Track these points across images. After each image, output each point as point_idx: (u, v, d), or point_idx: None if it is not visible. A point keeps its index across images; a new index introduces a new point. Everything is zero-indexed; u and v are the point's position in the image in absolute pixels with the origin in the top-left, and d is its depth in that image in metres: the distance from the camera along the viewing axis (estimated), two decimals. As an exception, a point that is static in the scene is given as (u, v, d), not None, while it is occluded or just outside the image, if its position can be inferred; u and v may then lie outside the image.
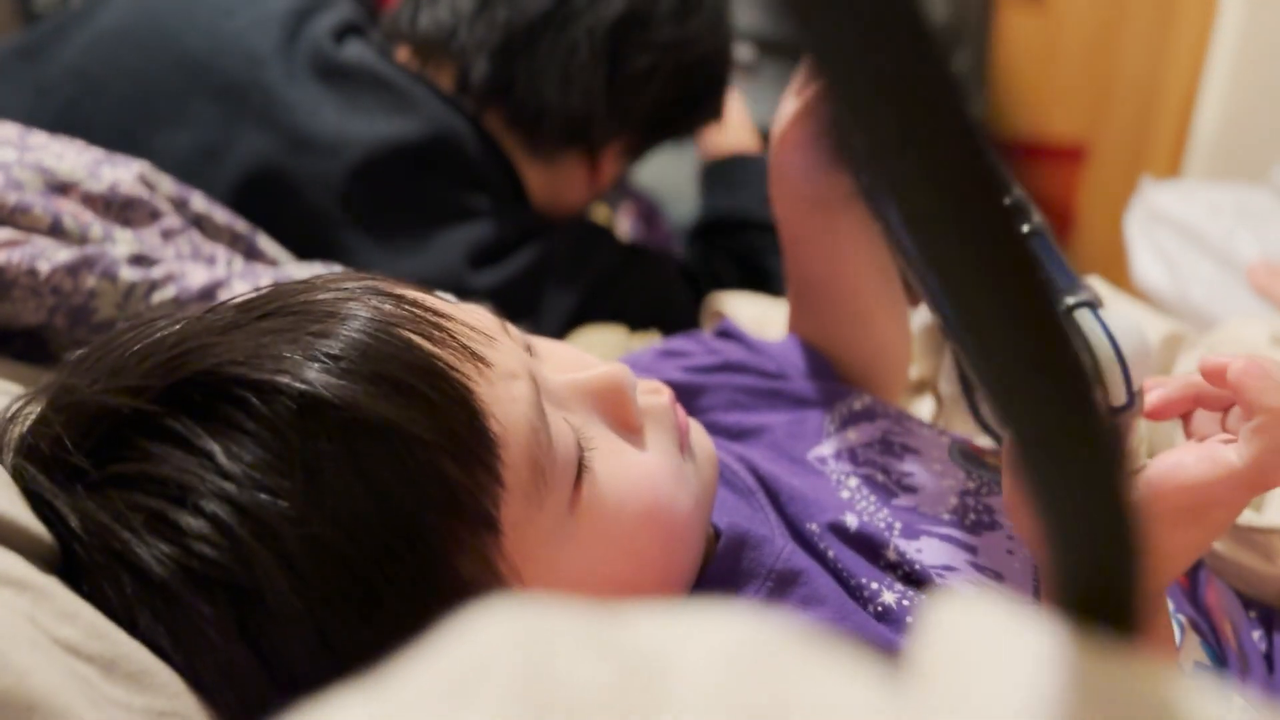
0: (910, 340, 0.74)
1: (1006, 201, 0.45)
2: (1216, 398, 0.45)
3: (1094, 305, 0.43)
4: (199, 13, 0.83)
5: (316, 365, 0.40)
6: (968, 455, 0.62)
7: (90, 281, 0.64)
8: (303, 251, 0.79)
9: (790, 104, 0.62)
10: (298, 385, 0.39)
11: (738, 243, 0.98)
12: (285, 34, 0.82)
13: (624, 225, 1.18)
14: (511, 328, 0.48)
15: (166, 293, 0.66)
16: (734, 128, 1.03)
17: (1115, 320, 0.42)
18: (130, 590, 0.39)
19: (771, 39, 1.09)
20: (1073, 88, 3.52)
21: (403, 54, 0.88)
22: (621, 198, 1.22)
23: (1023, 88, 3.51)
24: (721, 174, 1.02)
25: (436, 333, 0.43)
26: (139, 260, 0.66)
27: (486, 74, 0.83)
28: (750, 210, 0.99)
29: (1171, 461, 0.43)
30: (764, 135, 1.02)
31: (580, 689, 0.16)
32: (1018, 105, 3.50)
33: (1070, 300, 0.43)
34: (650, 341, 0.79)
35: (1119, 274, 1.44)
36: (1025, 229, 0.45)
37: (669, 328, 0.81)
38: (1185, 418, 0.45)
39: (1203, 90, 3.52)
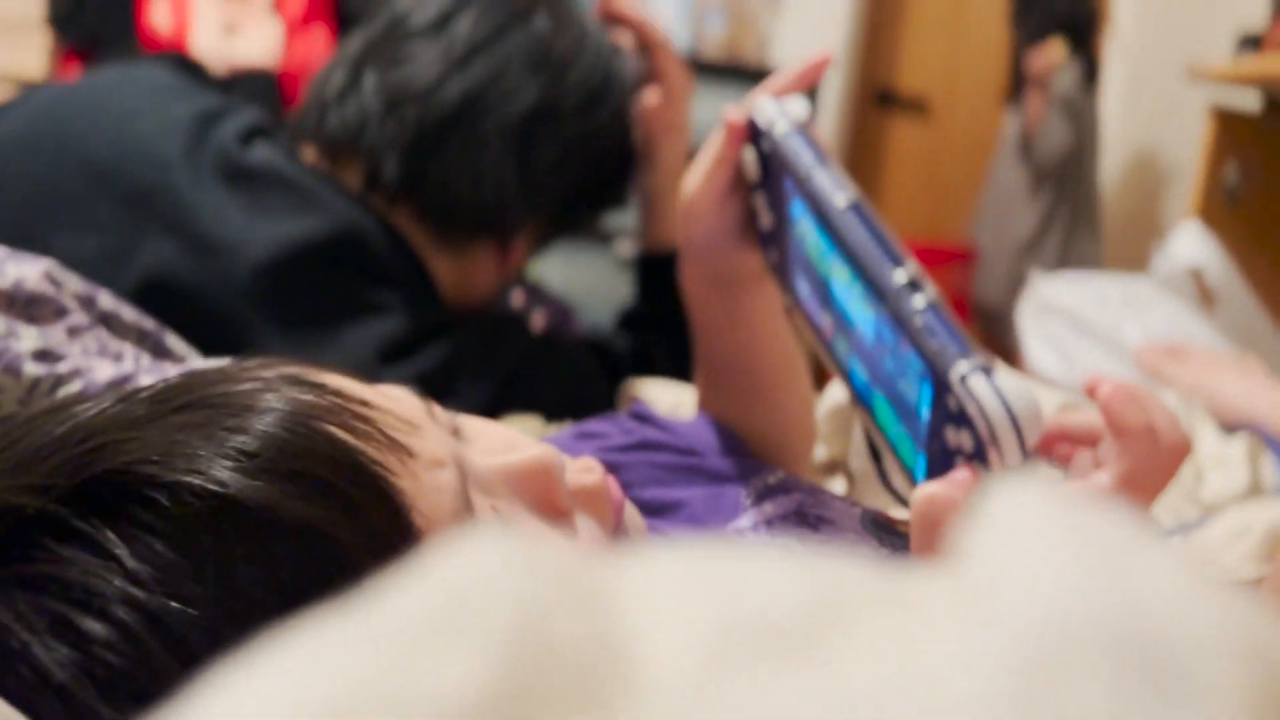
0: (814, 417, 0.76)
1: (904, 276, 0.48)
2: (1083, 432, 0.48)
3: (987, 370, 0.45)
4: (103, 118, 0.83)
5: (231, 463, 0.39)
6: (880, 524, 0.63)
7: (-9, 377, 0.62)
8: (209, 352, 0.78)
9: (694, 183, 0.64)
10: (210, 486, 0.38)
11: (642, 341, 0.99)
12: (191, 138, 0.82)
13: (538, 327, 1.19)
14: (437, 409, 0.48)
15: (72, 387, 0.65)
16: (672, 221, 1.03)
17: (1007, 384, 0.44)
18: (30, 691, 0.37)
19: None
20: (960, 193, 3.69)
21: (310, 154, 0.89)
22: (535, 302, 1.24)
23: (914, 196, 3.68)
24: (652, 273, 1.03)
25: (358, 424, 0.42)
26: (43, 355, 0.65)
27: (397, 171, 0.84)
28: (668, 314, 1.00)
29: None
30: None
31: (568, 651, 0.16)
32: (911, 212, 3.65)
33: (964, 367, 0.45)
34: (563, 429, 0.79)
35: (1013, 365, 1.49)
36: (920, 301, 0.48)
37: (585, 416, 0.82)
38: (1066, 461, 0.48)
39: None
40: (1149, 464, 0.45)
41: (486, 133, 0.84)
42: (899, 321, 0.48)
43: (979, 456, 0.44)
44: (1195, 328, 1.47)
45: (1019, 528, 0.18)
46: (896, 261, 0.49)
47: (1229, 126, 1.83)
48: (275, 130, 0.89)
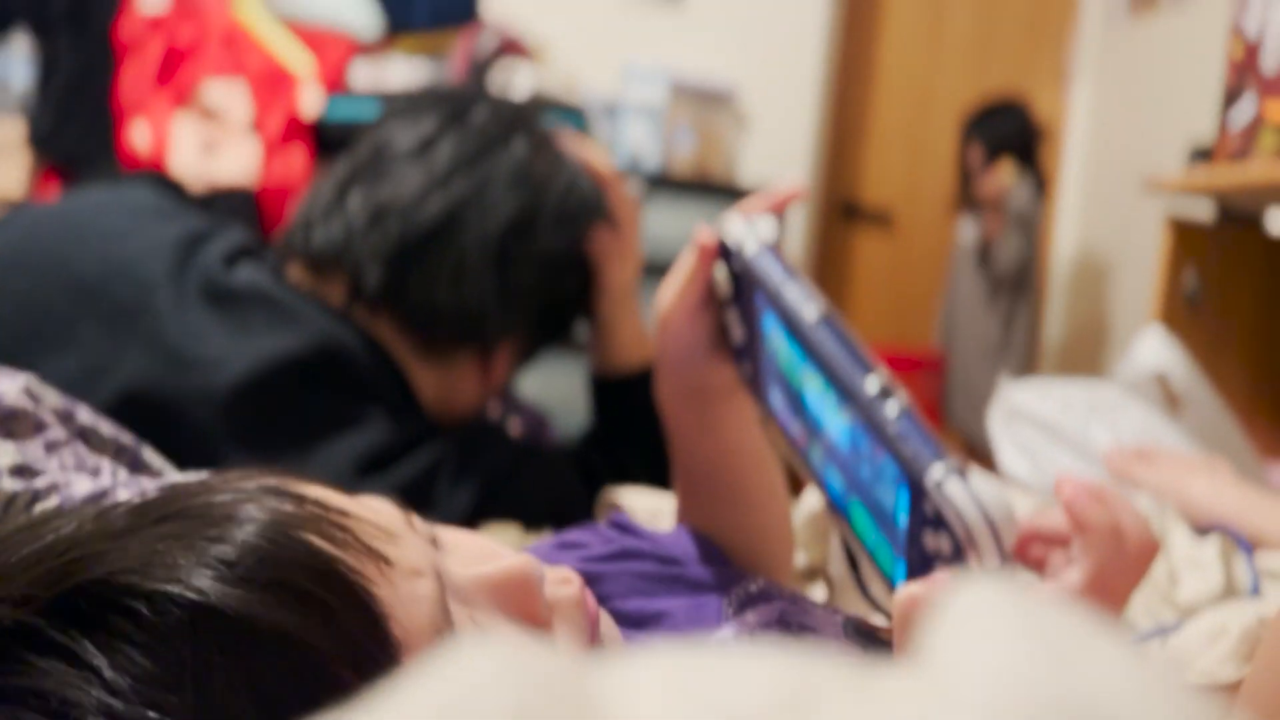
0: (791, 524, 0.76)
1: (877, 383, 0.49)
2: (1055, 533, 0.48)
3: (961, 473, 0.45)
4: (90, 238, 0.85)
5: (210, 573, 0.39)
6: (862, 632, 0.63)
7: (-32, 494, 0.62)
8: (186, 466, 0.78)
9: (667, 298, 0.65)
10: (190, 595, 0.38)
11: (614, 458, 0.99)
12: (177, 260, 0.84)
13: (514, 434, 1.19)
14: (416, 519, 0.48)
15: (49, 503, 0.64)
16: (626, 340, 1.04)
17: (981, 487, 0.45)
18: None
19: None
20: (925, 301, 3.75)
21: (295, 272, 0.91)
22: (510, 410, 1.24)
23: (880, 304, 3.75)
24: (607, 395, 1.04)
25: (337, 533, 0.42)
26: (21, 471, 0.65)
27: (380, 280, 0.86)
28: (630, 432, 1.01)
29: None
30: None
31: None
32: (879, 322, 3.71)
33: (940, 472, 0.45)
34: (543, 539, 0.79)
35: (988, 469, 1.50)
36: (895, 408, 0.48)
37: (564, 525, 0.82)
38: (1042, 565, 0.48)
39: (1050, 301, 3.80)
40: (1115, 563, 0.46)
41: (466, 244, 0.87)
42: (873, 428, 0.48)
43: (958, 559, 0.45)
44: (1162, 431, 1.49)
45: (978, 622, 0.18)
46: (868, 369, 0.50)
47: (1185, 235, 1.89)
48: (260, 251, 0.91)
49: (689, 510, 0.73)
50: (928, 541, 0.46)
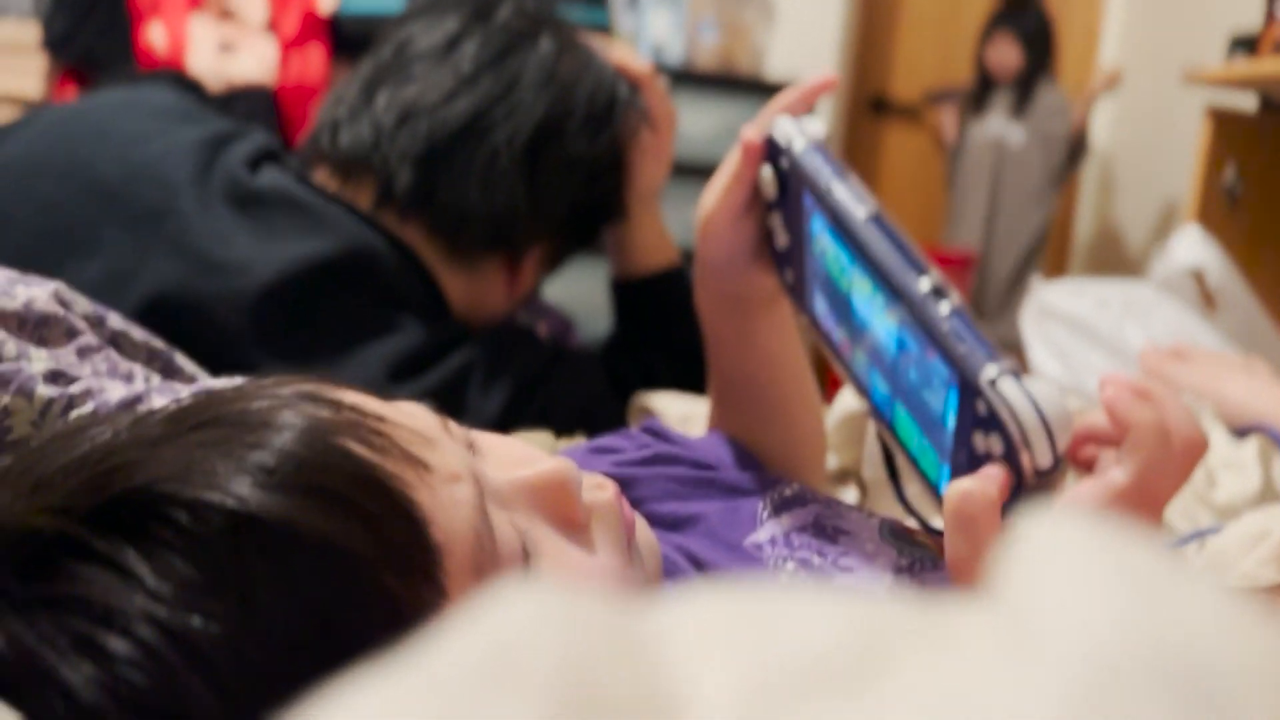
0: (824, 433, 0.75)
1: (929, 283, 0.48)
2: (1107, 432, 0.47)
3: (1016, 374, 0.45)
4: (111, 141, 0.83)
5: (249, 480, 0.39)
6: (898, 534, 0.63)
7: (4, 399, 0.62)
8: (216, 372, 0.78)
9: (711, 201, 0.64)
10: (230, 502, 0.38)
11: (639, 363, 0.99)
12: (200, 163, 0.82)
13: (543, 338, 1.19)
14: (453, 424, 0.48)
15: (84, 409, 0.65)
16: (648, 243, 1.03)
17: (1037, 387, 0.44)
18: (59, 712, 0.37)
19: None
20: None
21: (321, 175, 0.89)
22: (536, 314, 1.24)
23: (908, 202, 3.69)
24: (629, 298, 1.03)
25: (375, 439, 0.42)
26: (55, 377, 0.65)
27: (410, 182, 0.85)
28: (652, 335, 1.00)
29: (1069, 495, 0.45)
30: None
31: (615, 701, 0.16)
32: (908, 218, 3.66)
33: (994, 370, 0.45)
34: (577, 444, 0.79)
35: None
36: (946, 308, 0.48)
37: (596, 429, 0.82)
38: (1092, 466, 0.48)
39: (1081, 199, 3.73)
40: (1161, 463, 0.45)
41: (496, 145, 0.85)
42: (924, 329, 0.48)
43: (1009, 460, 0.44)
44: (1198, 330, 1.47)
45: (1057, 561, 0.18)
46: (920, 270, 0.49)
47: (1226, 128, 1.83)
48: (284, 154, 0.89)
49: (723, 418, 0.73)
50: (978, 443, 0.46)
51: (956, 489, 0.45)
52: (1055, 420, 0.43)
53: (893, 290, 0.50)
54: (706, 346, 0.70)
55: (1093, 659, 0.15)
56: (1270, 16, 1.83)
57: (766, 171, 0.61)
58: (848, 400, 0.86)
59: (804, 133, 0.58)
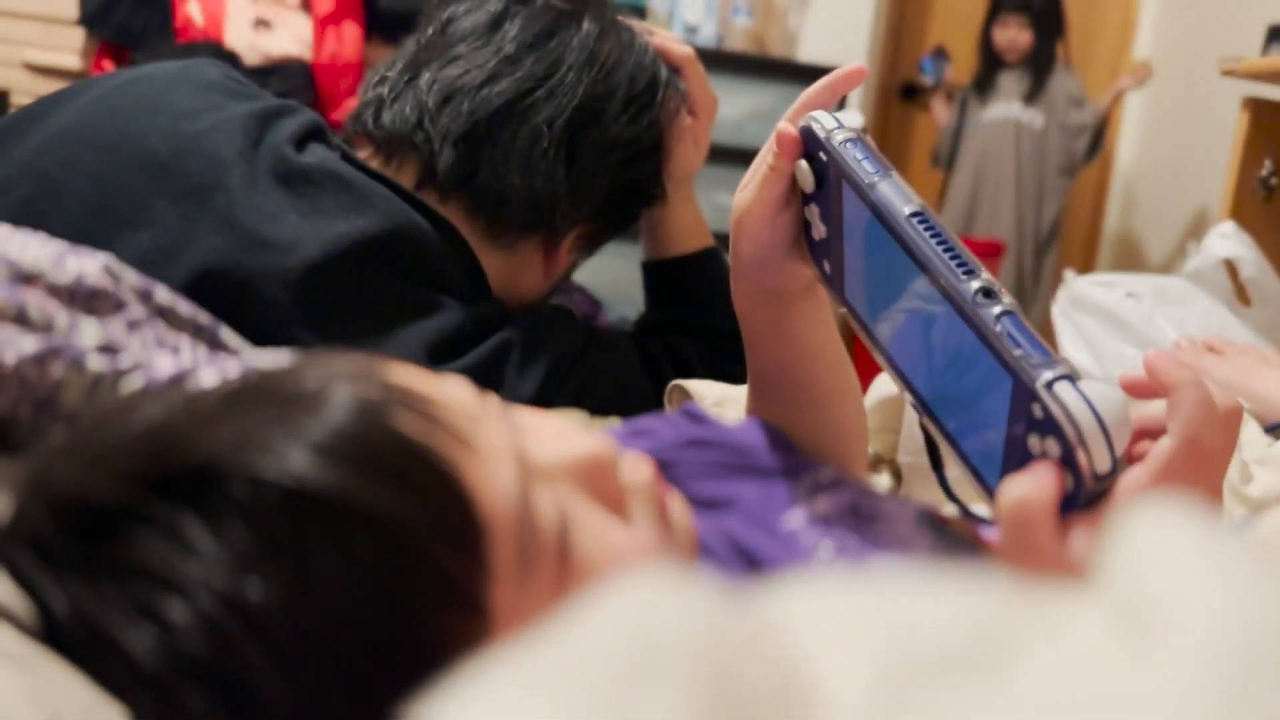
0: (865, 423, 0.75)
1: (978, 284, 0.47)
2: (1156, 423, 0.47)
3: (1073, 377, 0.44)
4: (161, 115, 0.84)
5: (305, 453, 0.40)
6: (933, 523, 0.63)
7: (57, 371, 0.63)
8: (259, 347, 0.79)
9: (747, 196, 0.63)
10: (286, 475, 0.39)
11: (671, 347, 0.99)
12: (248, 139, 0.83)
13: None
14: (492, 401, 0.49)
15: (134, 381, 0.66)
16: (683, 226, 1.04)
17: (1095, 390, 0.44)
18: (120, 677, 0.38)
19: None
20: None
21: (365, 152, 0.90)
22: (565, 294, 1.24)
23: (938, 190, 3.67)
24: (662, 280, 1.04)
25: (423, 416, 0.43)
26: (105, 349, 0.66)
27: (452, 161, 0.85)
28: (684, 318, 1.01)
29: (1124, 481, 0.45)
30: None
31: (758, 690, 0.16)
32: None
33: (1049, 374, 0.44)
34: (614, 425, 0.80)
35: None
36: (998, 309, 0.47)
37: (630, 411, 0.82)
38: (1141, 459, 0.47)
39: (1112, 192, 3.70)
40: (1207, 421, 0.45)
41: (538, 126, 0.86)
42: (976, 329, 0.47)
43: (1067, 463, 0.44)
44: (1230, 324, 1.46)
45: (1164, 552, 0.18)
46: (969, 269, 0.49)
47: (1263, 119, 1.81)
48: (329, 132, 0.90)
49: (760, 408, 0.73)
50: (1033, 445, 0.45)
51: (1012, 493, 0.44)
52: (1114, 424, 0.43)
53: (941, 289, 0.49)
54: (744, 339, 0.70)
55: (1228, 650, 0.15)
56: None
57: (803, 163, 0.60)
58: (882, 386, 0.86)
59: (843, 125, 0.57)
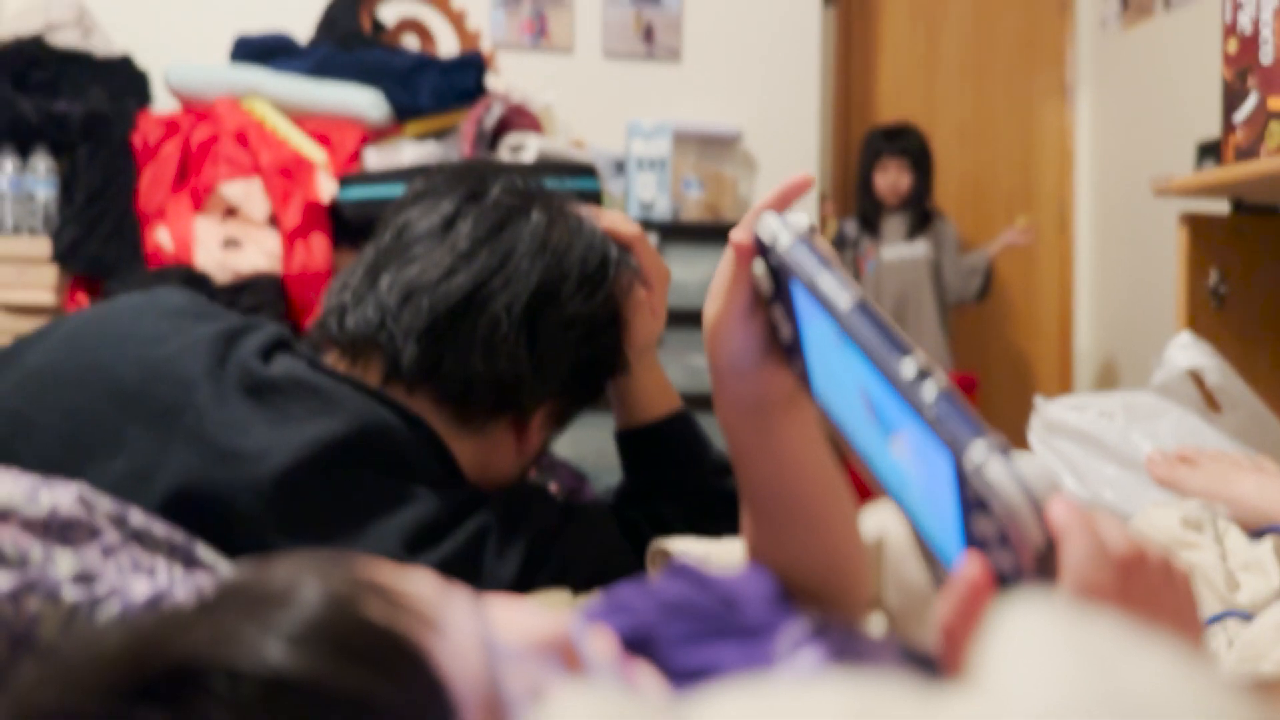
0: (861, 540, 0.74)
1: (914, 367, 0.48)
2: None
3: (1004, 451, 0.44)
4: (129, 344, 0.87)
5: (279, 644, 0.41)
6: (921, 661, 0.63)
7: (33, 606, 0.63)
8: (236, 558, 0.79)
9: (714, 307, 0.65)
10: (263, 666, 0.40)
11: (650, 512, 1.00)
12: (214, 357, 0.86)
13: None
14: (460, 590, 0.50)
15: (110, 608, 0.66)
16: (650, 392, 1.05)
17: (1024, 465, 0.44)
18: None
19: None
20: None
21: (331, 357, 0.93)
22: (548, 471, 1.25)
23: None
24: (635, 447, 1.05)
25: (392, 604, 0.44)
26: (81, 579, 0.66)
27: (415, 355, 0.88)
28: (662, 482, 1.02)
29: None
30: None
31: None
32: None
33: (979, 452, 0.44)
34: (593, 601, 0.79)
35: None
36: (933, 391, 0.47)
37: (612, 582, 0.82)
38: None
39: (1076, 315, 3.78)
40: (1094, 562, 0.44)
41: (496, 313, 0.88)
42: (915, 412, 0.48)
43: (1005, 543, 0.44)
44: (1205, 432, 1.47)
45: (1023, 639, 0.19)
46: (903, 351, 0.49)
47: (1201, 230, 1.88)
48: (294, 340, 0.93)
49: (757, 536, 0.72)
50: (977, 525, 0.45)
51: (941, 623, 0.45)
52: (1044, 498, 0.43)
53: (882, 375, 0.50)
54: (731, 456, 0.69)
55: (1049, 715, 0.17)
56: (1229, 124, 1.91)
57: (760, 268, 0.62)
58: (868, 525, 0.86)
59: (788, 227, 0.59)
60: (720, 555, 0.81)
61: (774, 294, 0.62)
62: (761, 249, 0.61)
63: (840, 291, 0.54)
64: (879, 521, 0.86)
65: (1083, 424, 1.55)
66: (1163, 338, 1.81)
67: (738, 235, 0.62)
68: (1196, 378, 1.69)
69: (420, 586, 0.47)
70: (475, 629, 0.46)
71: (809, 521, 0.70)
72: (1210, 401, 1.69)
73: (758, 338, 0.64)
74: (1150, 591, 0.46)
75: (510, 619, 0.51)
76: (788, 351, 0.64)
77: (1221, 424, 1.58)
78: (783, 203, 0.64)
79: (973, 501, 0.45)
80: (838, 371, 0.57)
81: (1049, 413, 1.62)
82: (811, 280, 0.56)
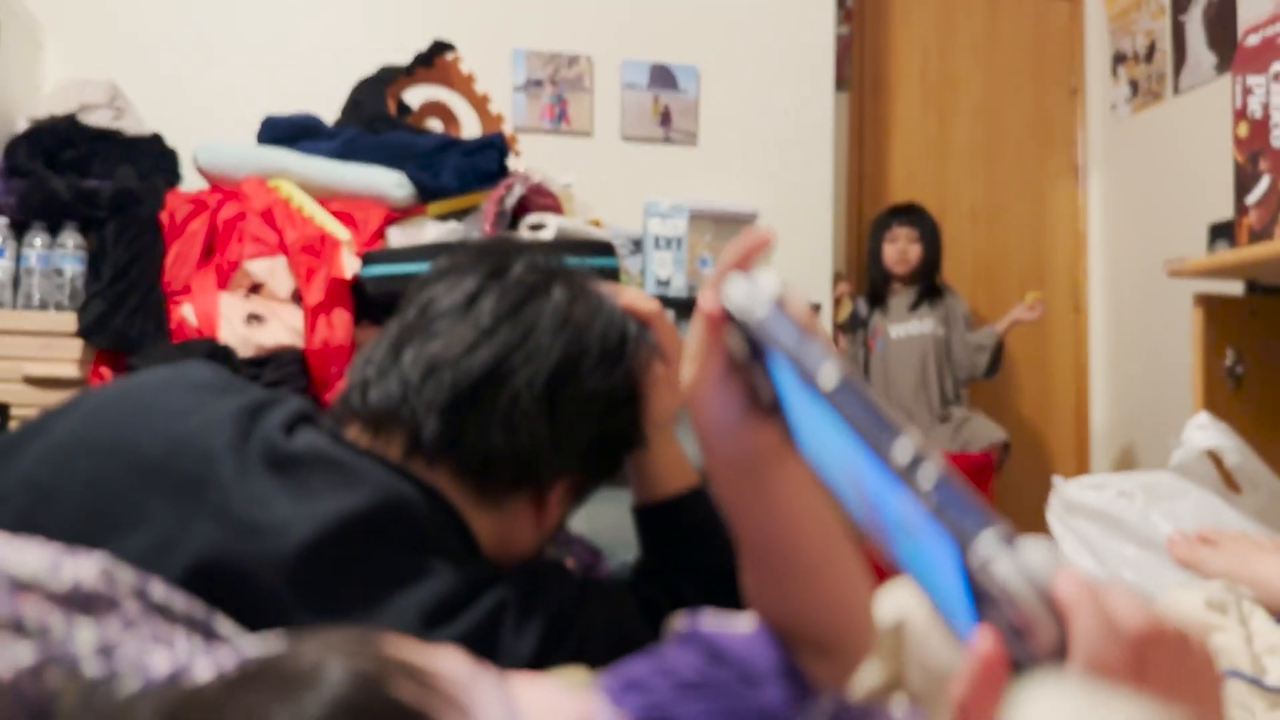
0: (869, 590, 0.73)
1: (909, 452, 0.46)
2: None
3: (1010, 542, 0.43)
4: (153, 418, 0.88)
5: None
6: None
7: (53, 681, 0.63)
8: (256, 631, 0.79)
9: (690, 373, 0.64)
10: None
11: (668, 587, 1.00)
12: (237, 431, 0.87)
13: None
14: (486, 669, 0.50)
15: (130, 682, 0.66)
16: (667, 467, 1.06)
17: (1029, 554, 0.42)
18: None
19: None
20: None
21: (353, 431, 0.93)
22: (564, 547, 1.25)
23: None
24: (652, 523, 1.05)
25: (419, 684, 0.44)
26: (103, 651, 0.66)
27: (437, 430, 0.89)
28: (680, 558, 1.02)
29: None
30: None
31: None
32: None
33: (985, 547, 0.43)
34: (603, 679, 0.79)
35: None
36: (930, 478, 0.45)
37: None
38: None
39: (1091, 396, 3.77)
40: (1103, 637, 0.42)
41: (517, 389, 0.89)
42: (913, 497, 0.46)
43: (1017, 633, 0.43)
44: (1224, 513, 1.46)
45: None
46: (894, 434, 0.48)
47: (1216, 311, 1.89)
48: (318, 415, 0.94)
49: (758, 589, 0.71)
50: (987, 614, 0.44)
51: (955, 705, 0.44)
52: (1053, 582, 0.42)
53: (876, 457, 0.48)
54: (727, 515, 0.69)
55: None
56: (1242, 206, 1.92)
57: (733, 333, 0.61)
58: (884, 610, 0.86)
59: (760, 292, 0.58)
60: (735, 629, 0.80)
61: (752, 355, 0.61)
62: (731, 316, 0.60)
63: (823, 366, 0.53)
64: (899, 601, 0.85)
65: (1102, 504, 1.54)
66: (1179, 418, 1.81)
67: (705, 303, 0.62)
68: (1215, 458, 1.68)
69: (448, 665, 0.47)
70: (503, 711, 0.46)
71: (807, 571, 0.69)
72: (1229, 482, 1.68)
73: (737, 398, 0.64)
74: (1168, 668, 0.44)
75: (536, 700, 0.50)
76: (772, 408, 0.62)
77: (1241, 505, 1.57)
78: (745, 261, 0.63)
79: (980, 594, 0.44)
80: (826, 438, 0.55)
81: (1067, 492, 1.61)
82: (791, 354, 0.55)
